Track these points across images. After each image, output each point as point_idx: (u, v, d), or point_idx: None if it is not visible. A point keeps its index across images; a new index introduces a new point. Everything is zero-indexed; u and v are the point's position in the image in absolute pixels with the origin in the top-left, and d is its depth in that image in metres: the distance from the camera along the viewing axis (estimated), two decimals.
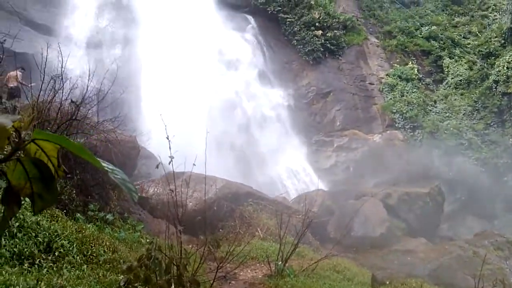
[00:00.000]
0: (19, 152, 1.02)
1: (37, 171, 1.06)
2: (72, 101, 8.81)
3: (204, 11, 19.74)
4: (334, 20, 25.30)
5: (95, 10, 19.07)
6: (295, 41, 24.30)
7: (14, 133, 0.96)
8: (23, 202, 1.09)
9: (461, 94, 25.03)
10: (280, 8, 24.27)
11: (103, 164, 1.04)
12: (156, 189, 12.10)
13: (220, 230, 11.34)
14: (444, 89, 25.59)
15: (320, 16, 24.69)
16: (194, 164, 5.89)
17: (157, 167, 6.86)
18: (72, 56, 13.82)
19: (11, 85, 12.20)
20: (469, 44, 26.97)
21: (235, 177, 15.04)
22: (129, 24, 18.94)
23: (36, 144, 1.04)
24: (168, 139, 5.77)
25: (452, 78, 25.65)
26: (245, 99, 20.92)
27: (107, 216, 8.31)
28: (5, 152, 1.03)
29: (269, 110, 21.53)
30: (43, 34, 16.92)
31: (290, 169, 20.68)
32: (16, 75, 12.41)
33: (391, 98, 24.42)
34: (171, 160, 5.98)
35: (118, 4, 19.39)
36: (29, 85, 10.95)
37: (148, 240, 7.50)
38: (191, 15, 19.06)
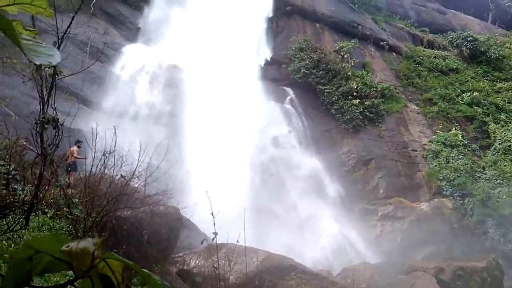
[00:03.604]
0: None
1: (102, 285, 1.15)
2: (122, 176, 9.26)
3: (246, 86, 20.73)
4: (371, 89, 25.67)
5: (144, 87, 20.46)
6: (334, 110, 24.66)
7: None
8: None
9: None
10: (318, 80, 25.00)
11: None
12: (197, 261, 12.00)
13: None
14: (493, 155, 24.62)
15: (357, 86, 25.17)
16: (237, 241, 5.91)
17: (201, 242, 6.97)
18: (122, 131, 14.72)
19: (69, 161, 12.92)
20: None
21: (274, 248, 14.70)
22: (176, 99, 20.08)
23: (104, 261, 1.14)
24: (212, 215, 5.90)
25: (500, 144, 24.76)
26: (285, 168, 21.04)
27: None
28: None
29: (310, 178, 21.42)
30: (96, 111, 18.22)
31: (332, 240, 20.00)
32: (73, 151, 13.20)
33: (436, 165, 23.68)
34: (215, 237, 6.07)
35: (165, 81, 20.77)
36: (84, 158, 11.67)
37: None
38: (234, 90, 20.04)
